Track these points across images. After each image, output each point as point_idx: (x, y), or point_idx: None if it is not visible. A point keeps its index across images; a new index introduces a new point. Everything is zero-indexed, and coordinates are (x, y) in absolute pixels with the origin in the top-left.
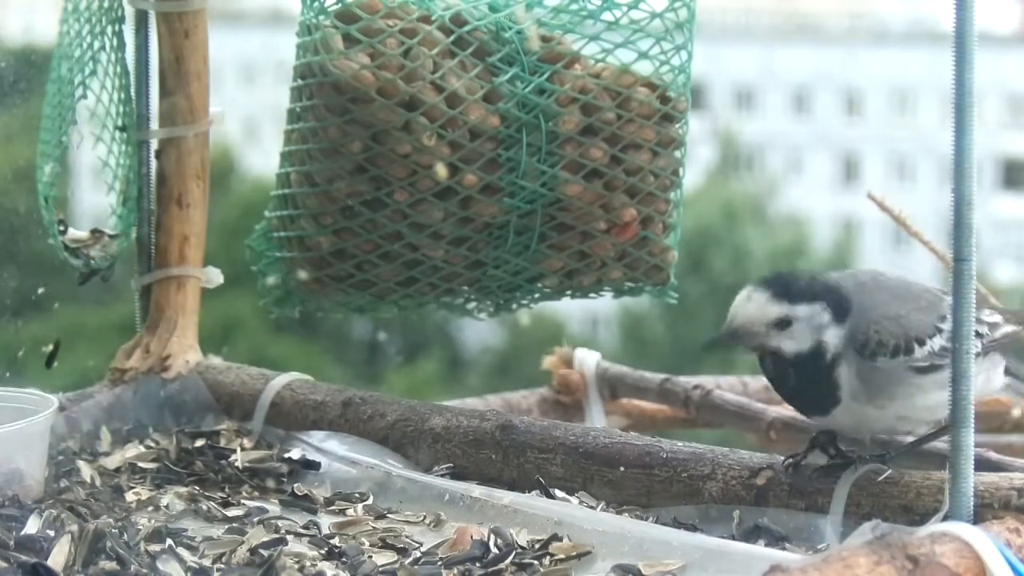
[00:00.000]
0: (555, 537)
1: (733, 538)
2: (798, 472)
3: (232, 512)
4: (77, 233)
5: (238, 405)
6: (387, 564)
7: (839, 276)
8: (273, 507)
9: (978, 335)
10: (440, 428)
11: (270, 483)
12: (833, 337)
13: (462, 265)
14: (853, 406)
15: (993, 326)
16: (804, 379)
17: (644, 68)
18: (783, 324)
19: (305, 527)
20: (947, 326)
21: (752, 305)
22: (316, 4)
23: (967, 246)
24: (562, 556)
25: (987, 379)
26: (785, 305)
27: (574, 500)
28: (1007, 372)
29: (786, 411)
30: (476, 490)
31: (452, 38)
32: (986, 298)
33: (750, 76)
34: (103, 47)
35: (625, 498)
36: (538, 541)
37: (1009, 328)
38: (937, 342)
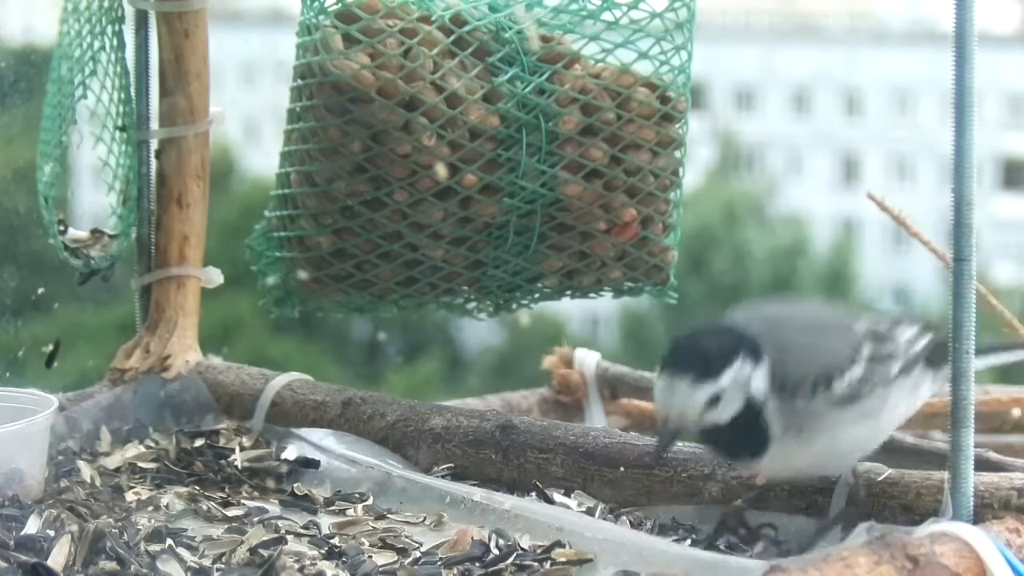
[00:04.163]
0: (557, 543)
1: (733, 538)
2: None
3: (232, 512)
4: (77, 233)
5: (238, 405)
6: (387, 564)
7: (746, 312)
8: (273, 507)
9: (891, 357)
10: (440, 428)
11: (270, 483)
12: (759, 383)
13: (462, 265)
14: (782, 445)
15: (910, 342)
16: (737, 431)
17: (644, 68)
18: (714, 401)
19: (305, 527)
20: (864, 353)
21: (679, 397)
22: (316, 4)
23: (967, 246)
24: (563, 560)
25: (909, 403)
26: (711, 383)
27: (573, 502)
28: (938, 371)
29: None
30: (477, 493)
31: (452, 38)
32: (986, 298)
33: (750, 76)
34: (103, 47)
35: (625, 498)
36: (540, 546)
37: (927, 337)
38: (856, 371)
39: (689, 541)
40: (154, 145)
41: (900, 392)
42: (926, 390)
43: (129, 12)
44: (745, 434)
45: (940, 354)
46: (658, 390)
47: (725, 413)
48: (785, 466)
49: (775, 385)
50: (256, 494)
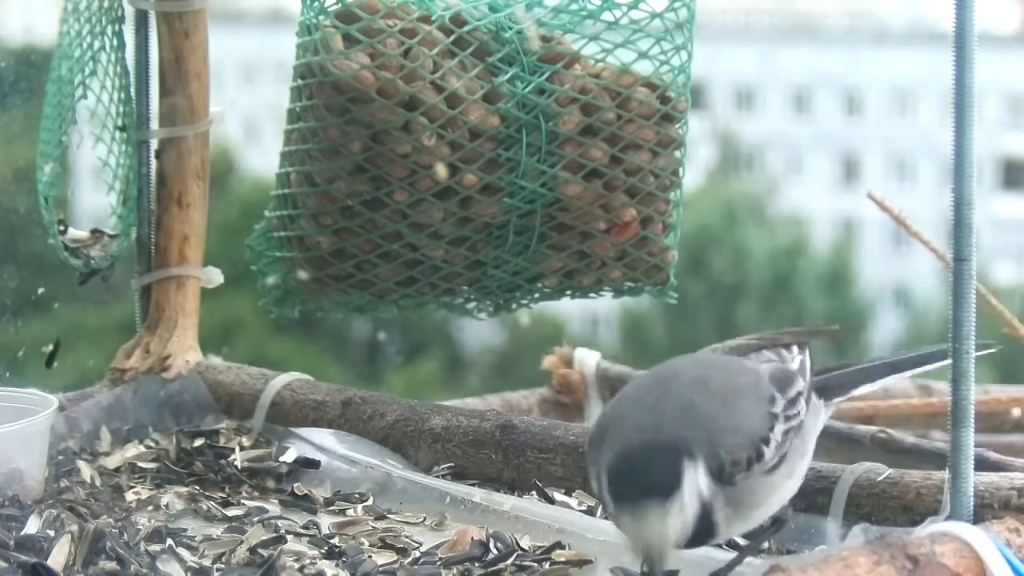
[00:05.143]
0: (558, 544)
1: (731, 540)
2: None
3: (232, 512)
4: (77, 233)
5: (238, 405)
6: (387, 564)
7: (654, 396)
8: (273, 507)
9: (798, 397)
10: (440, 428)
11: (270, 483)
12: (703, 481)
13: (462, 265)
14: (727, 531)
15: (802, 368)
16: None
17: (644, 68)
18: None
19: (305, 527)
20: (778, 407)
21: (654, 524)
22: (316, 4)
23: (967, 246)
24: (563, 560)
25: (815, 435)
26: (677, 496)
27: (573, 502)
28: (827, 403)
29: None
30: (477, 494)
31: (452, 38)
32: (986, 298)
33: (750, 76)
34: (103, 47)
35: None
36: (540, 547)
37: (807, 358)
38: (778, 431)
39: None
40: (154, 145)
41: (809, 433)
42: (824, 415)
43: (129, 12)
44: (695, 535)
45: (829, 380)
46: (625, 526)
47: (690, 522)
48: (723, 536)
49: (713, 473)
50: (256, 494)
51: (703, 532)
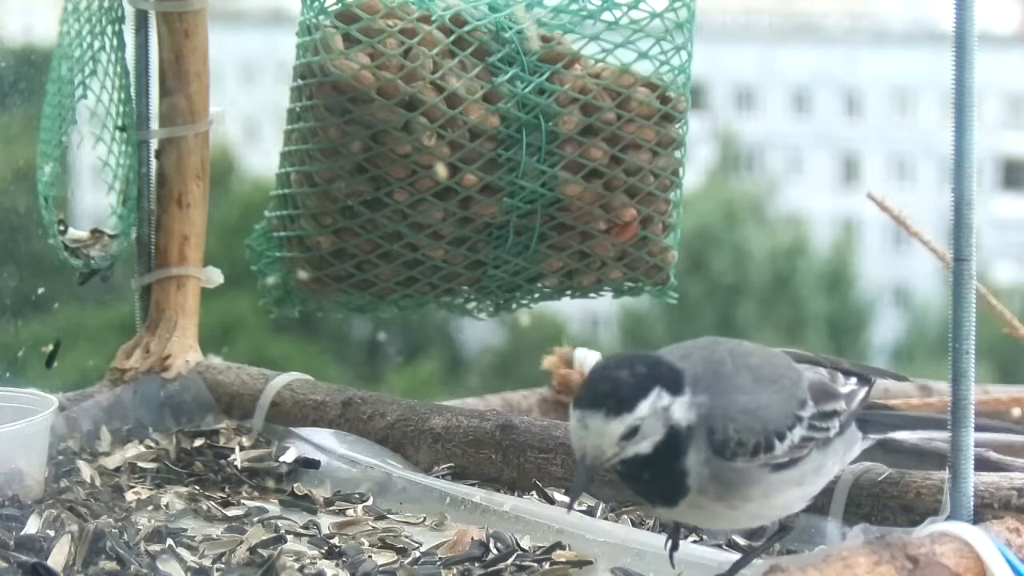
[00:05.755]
0: (558, 545)
1: (731, 540)
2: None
3: (232, 512)
4: (77, 233)
5: (238, 405)
6: (387, 564)
7: (690, 348)
8: (273, 507)
9: (833, 415)
10: (440, 428)
11: (270, 483)
12: (680, 412)
13: (462, 265)
14: (701, 500)
15: (850, 396)
16: (653, 469)
17: (644, 68)
18: (632, 433)
19: (305, 527)
20: (807, 412)
21: (592, 434)
22: (316, 4)
23: (967, 246)
24: (563, 561)
25: (841, 462)
26: (625, 416)
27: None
28: (865, 436)
29: None
30: (477, 494)
31: (452, 38)
32: (986, 298)
33: (750, 76)
34: (103, 47)
35: (625, 497)
36: (540, 547)
37: (862, 392)
38: (797, 433)
39: (690, 540)
40: (154, 145)
41: (835, 455)
42: (858, 447)
43: (129, 12)
44: (659, 476)
45: (870, 415)
46: (571, 426)
47: (647, 445)
48: (704, 518)
49: (715, 443)
50: (256, 494)
51: (669, 477)
